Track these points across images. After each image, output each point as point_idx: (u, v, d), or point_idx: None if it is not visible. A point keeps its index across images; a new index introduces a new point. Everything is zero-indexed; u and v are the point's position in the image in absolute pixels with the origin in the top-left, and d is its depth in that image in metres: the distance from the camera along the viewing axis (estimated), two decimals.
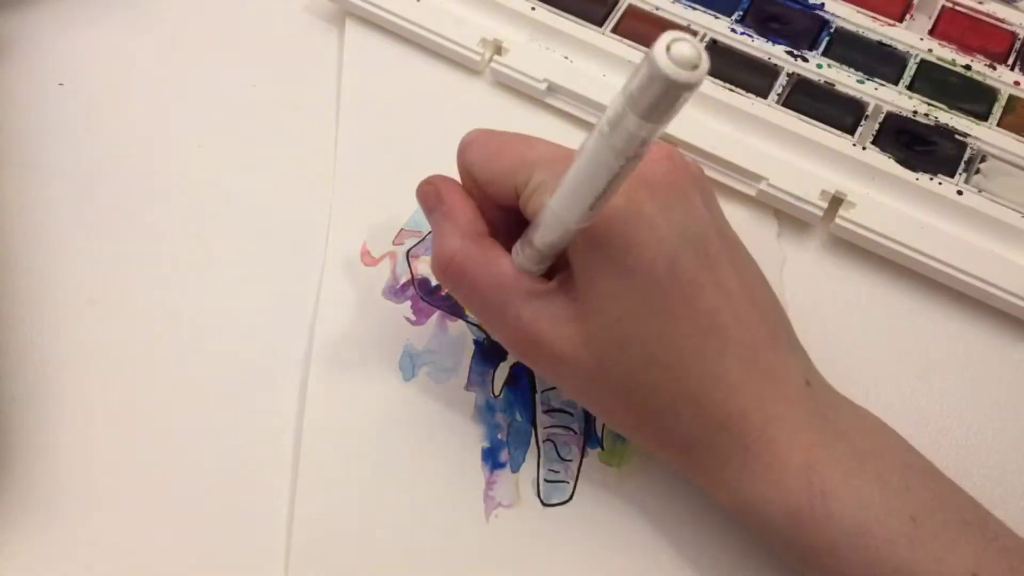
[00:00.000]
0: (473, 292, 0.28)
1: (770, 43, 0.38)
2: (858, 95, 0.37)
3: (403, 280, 0.34)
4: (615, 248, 0.25)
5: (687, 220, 0.26)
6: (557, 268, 0.27)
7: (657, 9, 0.39)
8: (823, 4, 0.39)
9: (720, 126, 0.36)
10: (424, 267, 0.34)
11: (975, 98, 0.37)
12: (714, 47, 0.38)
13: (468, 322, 0.33)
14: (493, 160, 0.28)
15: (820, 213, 0.34)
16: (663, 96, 0.18)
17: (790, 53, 0.38)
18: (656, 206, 0.26)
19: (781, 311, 0.28)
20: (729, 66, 0.37)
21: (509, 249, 0.28)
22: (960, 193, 0.34)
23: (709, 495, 0.28)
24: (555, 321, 0.26)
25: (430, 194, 0.29)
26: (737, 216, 0.35)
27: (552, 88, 0.37)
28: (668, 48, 0.17)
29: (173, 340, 0.33)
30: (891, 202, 0.35)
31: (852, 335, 0.34)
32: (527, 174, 0.26)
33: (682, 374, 0.26)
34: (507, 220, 0.28)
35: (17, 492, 0.30)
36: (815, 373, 0.28)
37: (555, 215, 0.24)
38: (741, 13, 0.39)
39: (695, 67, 0.18)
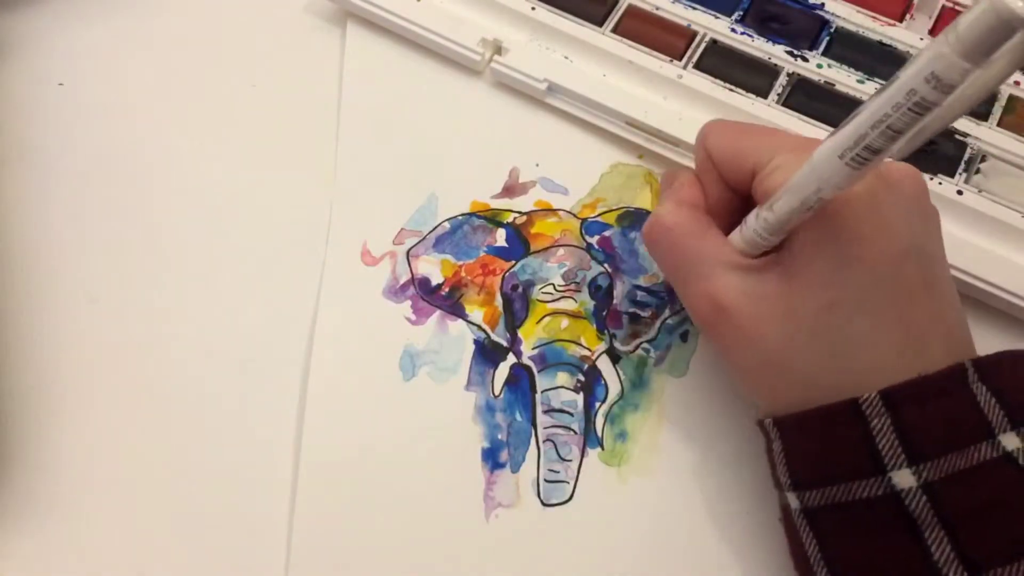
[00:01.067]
0: (673, 252, 0.29)
1: (770, 43, 0.38)
2: (858, 95, 0.37)
3: (403, 280, 0.34)
4: (846, 233, 0.25)
5: (922, 235, 0.27)
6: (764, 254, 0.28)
7: (657, 9, 0.39)
8: (823, 4, 0.39)
9: None
10: (424, 267, 0.34)
11: None
12: (714, 47, 0.38)
13: (468, 322, 0.33)
14: (735, 140, 0.29)
15: None
16: (994, 31, 0.18)
17: (790, 53, 0.38)
18: (894, 207, 0.26)
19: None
20: (729, 66, 0.37)
21: (727, 233, 0.28)
22: (960, 193, 0.34)
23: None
24: (751, 296, 0.27)
25: (667, 176, 0.32)
26: None
27: (552, 88, 0.37)
28: None
29: (173, 340, 0.33)
30: None
31: None
32: (769, 155, 0.27)
33: (874, 380, 0.25)
34: (731, 205, 0.29)
35: (17, 492, 0.30)
36: None
37: (816, 169, 0.23)
38: (741, 13, 0.39)
39: None
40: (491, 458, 0.31)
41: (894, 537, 0.24)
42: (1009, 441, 0.24)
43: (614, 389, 0.32)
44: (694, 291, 0.28)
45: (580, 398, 0.32)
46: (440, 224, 0.35)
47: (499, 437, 0.31)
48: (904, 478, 0.24)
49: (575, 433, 0.32)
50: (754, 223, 0.27)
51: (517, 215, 0.35)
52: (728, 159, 0.29)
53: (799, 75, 0.37)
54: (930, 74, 0.19)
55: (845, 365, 0.26)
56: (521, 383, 0.32)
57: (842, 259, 0.26)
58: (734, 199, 0.29)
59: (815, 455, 0.26)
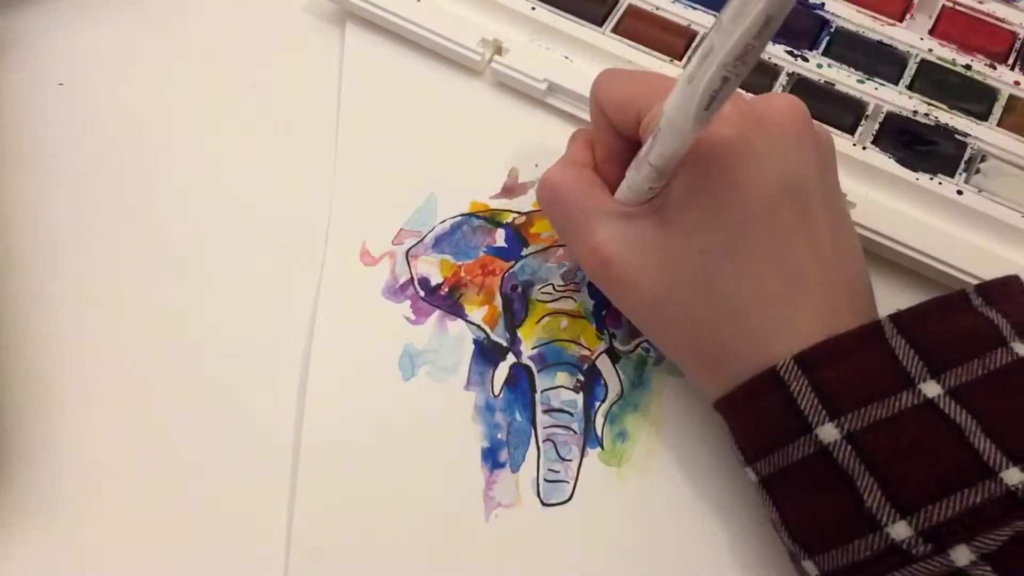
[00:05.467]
0: (558, 208, 0.30)
1: (770, 43, 0.38)
2: (858, 95, 0.37)
3: (403, 280, 0.34)
4: (717, 179, 0.26)
5: (795, 170, 0.27)
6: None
7: (657, 9, 0.39)
8: (823, 4, 0.39)
9: None
10: (424, 266, 0.34)
11: (975, 98, 0.37)
12: None
13: (468, 322, 0.33)
14: (623, 88, 0.29)
15: None
16: None
17: (790, 53, 0.38)
18: (767, 147, 0.26)
19: (868, 285, 0.28)
20: None
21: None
22: (960, 193, 0.34)
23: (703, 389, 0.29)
24: (632, 245, 0.27)
25: (571, 137, 0.32)
26: None
27: (552, 88, 0.37)
28: None
29: (173, 340, 0.33)
30: (891, 202, 0.35)
31: None
32: (651, 101, 0.27)
33: (754, 319, 0.26)
34: (628, 154, 0.29)
35: (17, 492, 0.30)
36: None
37: (668, 119, 0.24)
38: None
39: None
40: (491, 458, 0.31)
41: (831, 490, 0.25)
42: (930, 389, 0.24)
43: (614, 389, 0.32)
44: (579, 244, 0.29)
45: (580, 398, 0.32)
46: (439, 224, 0.35)
47: (499, 437, 0.31)
48: (828, 432, 0.25)
49: (575, 433, 0.32)
50: (631, 176, 0.27)
51: (516, 215, 0.35)
52: (616, 108, 0.29)
53: (799, 75, 0.37)
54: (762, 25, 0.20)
55: (728, 307, 0.26)
56: (521, 383, 0.32)
57: (714, 204, 0.26)
58: (630, 148, 0.29)
59: (752, 428, 0.27)
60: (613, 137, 0.30)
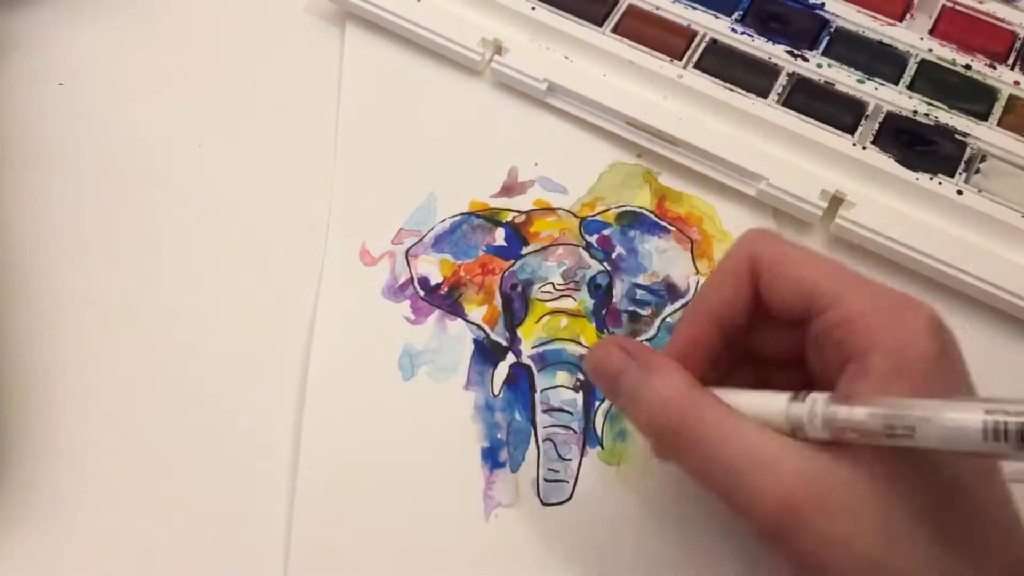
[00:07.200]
0: (708, 457, 0.22)
1: (770, 43, 0.38)
2: (858, 95, 0.37)
3: (402, 279, 0.34)
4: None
5: None
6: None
7: (657, 9, 0.39)
8: (823, 3, 0.39)
9: (720, 126, 0.36)
10: (424, 266, 0.34)
11: (975, 98, 0.37)
12: (714, 47, 0.38)
13: (468, 321, 0.33)
14: (803, 266, 0.24)
15: (820, 213, 0.34)
16: None
17: (790, 53, 0.38)
18: None
19: None
20: (729, 66, 0.37)
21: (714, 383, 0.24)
22: (960, 193, 0.34)
23: None
24: (832, 487, 0.21)
25: (610, 358, 0.24)
26: (736, 216, 0.35)
27: (552, 88, 0.37)
28: None
29: (172, 340, 0.33)
30: (891, 202, 0.35)
31: None
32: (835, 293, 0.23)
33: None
34: (740, 335, 0.25)
35: (17, 492, 0.30)
36: None
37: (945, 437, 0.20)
38: (741, 13, 0.39)
39: None
40: (491, 457, 0.31)
41: None
42: None
43: None
44: (747, 495, 0.22)
45: (580, 397, 0.32)
46: (439, 223, 0.35)
47: (499, 436, 0.31)
48: None
49: (575, 432, 0.32)
50: (821, 408, 0.22)
51: (516, 214, 0.35)
52: (789, 285, 0.24)
53: (799, 75, 0.37)
54: None
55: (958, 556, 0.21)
56: (520, 382, 0.32)
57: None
58: (722, 339, 0.25)
59: None
60: (743, 310, 0.24)
